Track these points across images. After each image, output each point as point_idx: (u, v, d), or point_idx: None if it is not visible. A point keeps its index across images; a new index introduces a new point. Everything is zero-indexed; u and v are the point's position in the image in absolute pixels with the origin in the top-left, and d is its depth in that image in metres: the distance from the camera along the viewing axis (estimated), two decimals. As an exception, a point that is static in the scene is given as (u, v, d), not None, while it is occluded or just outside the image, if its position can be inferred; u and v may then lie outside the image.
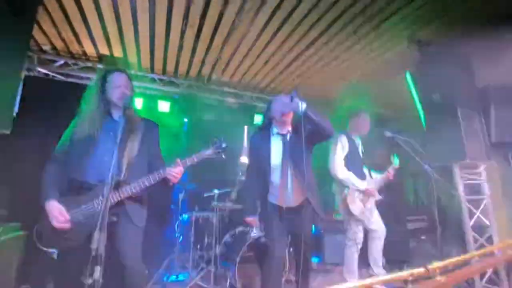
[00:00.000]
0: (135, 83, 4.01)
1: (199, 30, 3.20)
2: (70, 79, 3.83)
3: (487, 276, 2.82)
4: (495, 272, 2.79)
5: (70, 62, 3.79)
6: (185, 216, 3.41)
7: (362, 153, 3.09)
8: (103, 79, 1.77)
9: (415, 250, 3.52)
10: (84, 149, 1.62)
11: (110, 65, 3.43)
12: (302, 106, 2.03)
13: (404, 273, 1.71)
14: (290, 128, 2.24)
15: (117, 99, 1.69)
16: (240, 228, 3.19)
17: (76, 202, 1.55)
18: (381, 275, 2.75)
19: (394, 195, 4.63)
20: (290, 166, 2.12)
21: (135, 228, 1.64)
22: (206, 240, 3.30)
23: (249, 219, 2.20)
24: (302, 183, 2.08)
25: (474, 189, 3.09)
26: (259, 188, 2.23)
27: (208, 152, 1.78)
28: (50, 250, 1.52)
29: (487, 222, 2.96)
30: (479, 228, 2.98)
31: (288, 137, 2.21)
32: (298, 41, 3.40)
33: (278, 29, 3.18)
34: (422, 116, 3.33)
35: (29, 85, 3.21)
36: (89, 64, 3.83)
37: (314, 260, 3.86)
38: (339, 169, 2.81)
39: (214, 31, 3.22)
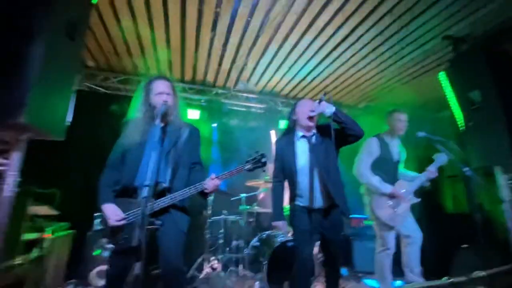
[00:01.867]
0: None
1: (226, 41, 3.35)
2: (110, 91, 4.20)
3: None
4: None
5: (110, 76, 4.15)
6: (215, 218, 3.52)
7: (399, 155, 2.96)
8: (147, 87, 1.83)
9: (456, 259, 3.26)
10: (134, 155, 1.70)
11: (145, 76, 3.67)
12: (330, 108, 2.05)
13: (444, 281, 1.62)
14: (314, 131, 2.25)
15: (160, 106, 1.71)
16: (267, 232, 3.21)
17: (128, 205, 1.66)
18: (417, 283, 2.61)
19: (431, 201, 4.39)
20: (316, 168, 2.12)
21: (179, 232, 1.69)
22: (234, 242, 3.36)
23: (277, 223, 2.20)
24: (329, 184, 2.07)
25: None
26: (286, 192, 2.25)
27: (248, 167, 1.79)
28: (108, 245, 1.64)
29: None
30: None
31: (313, 140, 2.21)
32: (321, 46, 3.41)
33: (302, 35, 3.23)
34: (459, 116, 3.15)
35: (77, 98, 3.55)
36: (128, 77, 4.16)
37: (343, 272, 3.75)
38: (362, 173, 2.73)
39: (240, 40, 3.34)
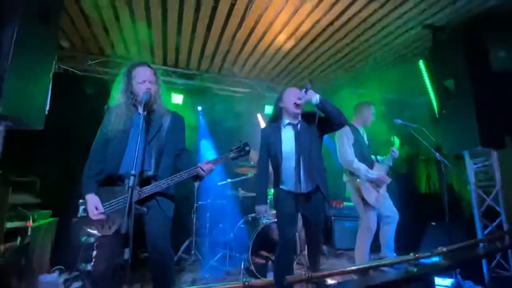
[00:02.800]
0: None
1: (210, 22, 3.26)
2: (87, 74, 4.02)
3: (495, 261, 2.86)
4: (504, 258, 2.83)
5: (88, 57, 3.95)
6: (201, 203, 3.60)
7: (368, 142, 3.12)
8: (129, 74, 1.78)
9: (425, 236, 3.57)
10: (117, 144, 1.70)
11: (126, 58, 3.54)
12: (316, 97, 2.11)
13: (410, 257, 1.80)
14: (300, 118, 2.30)
15: (143, 94, 1.70)
16: (252, 215, 3.33)
17: (113, 193, 1.66)
18: (389, 258, 2.85)
19: (406, 182, 4.68)
20: (301, 154, 2.19)
21: (165, 218, 1.72)
22: (220, 225, 3.47)
23: (259, 207, 2.29)
24: (313, 170, 2.17)
25: (485, 177, 3.08)
26: (271, 177, 2.32)
27: (232, 155, 1.83)
28: (93, 231, 1.65)
29: (498, 209, 2.96)
30: (490, 215, 3.00)
31: (299, 127, 2.27)
32: (307, 32, 3.41)
33: (288, 20, 3.20)
34: (434, 103, 3.32)
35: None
36: (107, 59, 3.98)
37: (324, 250, 3.99)
38: (352, 159, 2.85)
39: (225, 23, 3.27)
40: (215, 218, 3.51)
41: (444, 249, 2.19)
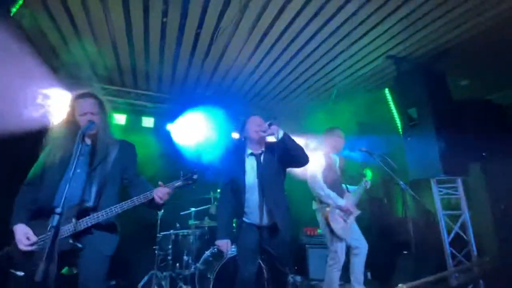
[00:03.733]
0: (117, 99, 4.11)
1: (178, 47, 3.26)
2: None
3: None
4: (474, 289, 2.77)
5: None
6: (164, 233, 3.40)
7: (340, 170, 3.09)
8: (71, 104, 1.75)
9: (398, 265, 3.49)
10: (55, 175, 1.62)
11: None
12: (280, 133, 2.06)
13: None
14: (263, 148, 2.26)
15: (83, 126, 1.62)
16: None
17: (45, 227, 1.48)
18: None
19: (380, 206, 4.66)
20: (264, 187, 2.13)
21: (100, 257, 1.59)
22: (184, 258, 3.27)
23: (220, 242, 2.17)
24: (272, 203, 2.10)
25: (451, 204, 3.10)
26: (234, 208, 2.22)
27: (178, 183, 1.77)
28: (17, 272, 1.50)
29: (466, 238, 2.95)
30: (458, 244, 2.97)
31: (262, 158, 2.22)
32: (271, 65, 3.50)
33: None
34: (400, 130, 3.39)
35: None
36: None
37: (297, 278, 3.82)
38: (320, 186, 2.80)
39: (193, 47, 3.28)
40: (179, 250, 3.31)
41: (412, 284, 2.12)
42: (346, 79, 3.89)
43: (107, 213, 1.58)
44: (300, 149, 2.10)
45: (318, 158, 2.92)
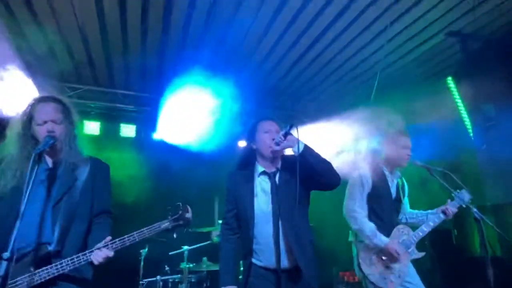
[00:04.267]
0: (89, 102, 4.12)
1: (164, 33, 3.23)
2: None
3: None
4: None
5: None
6: (148, 280, 3.30)
7: (401, 193, 2.87)
8: (28, 112, 1.72)
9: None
10: (8, 208, 1.60)
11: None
12: (300, 145, 1.95)
13: None
14: (279, 166, 2.14)
15: (42, 140, 1.62)
16: (221, 298, 3.00)
17: None
18: None
19: (447, 240, 4.36)
20: (281, 217, 2.02)
21: None
22: (176, 315, 3.15)
23: None
24: (294, 240, 1.98)
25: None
26: (240, 246, 2.14)
27: (165, 225, 1.73)
28: None
29: None
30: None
31: (277, 178, 2.11)
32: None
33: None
34: (470, 133, 3.16)
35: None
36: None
37: None
38: (354, 216, 2.62)
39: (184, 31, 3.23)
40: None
41: None
42: (394, 64, 3.71)
43: (74, 262, 1.56)
44: (327, 165, 1.97)
45: (360, 178, 2.69)
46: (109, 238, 1.64)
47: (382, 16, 2.99)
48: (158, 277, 3.26)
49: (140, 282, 3.29)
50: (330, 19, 3.08)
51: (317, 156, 1.98)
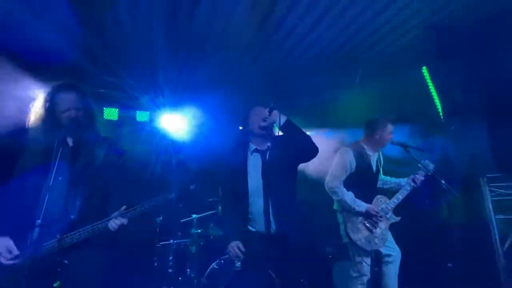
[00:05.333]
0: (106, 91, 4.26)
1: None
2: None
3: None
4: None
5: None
6: (163, 243, 3.61)
7: (379, 168, 3.10)
8: (51, 99, 1.82)
9: (441, 280, 3.53)
10: (32, 183, 1.70)
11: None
12: (282, 118, 2.13)
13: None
14: (269, 144, 2.32)
15: (66, 125, 1.77)
16: (225, 257, 3.32)
17: (24, 243, 1.61)
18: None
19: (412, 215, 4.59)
20: (269, 188, 2.20)
21: (90, 274, 1.74)
22: (188, 270, 3.49)
23: (230, 245, 2.18)
24: (281, 209, 2.18)
25: (506, 207, 3.08)
26: (238, 215, 2.29)
27: (171, 196, 1.86)
28: None
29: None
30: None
31: (267, 155, 2.29)
32: None
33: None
34: (441, 118, 3.36)
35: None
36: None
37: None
38: (334, 188, 2.86)
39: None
40: (181, 262, 3.53)
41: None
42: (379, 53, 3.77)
43: (93, 229, 1.71)
44: (305, 137, 2.17)
45: (343, 155, 2.95)
46: (123, 207, 1.78)
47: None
48: (172, 240, 3.56)
49: (157, 245, 3.60)
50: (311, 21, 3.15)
51: (296, 128, 2.17)
